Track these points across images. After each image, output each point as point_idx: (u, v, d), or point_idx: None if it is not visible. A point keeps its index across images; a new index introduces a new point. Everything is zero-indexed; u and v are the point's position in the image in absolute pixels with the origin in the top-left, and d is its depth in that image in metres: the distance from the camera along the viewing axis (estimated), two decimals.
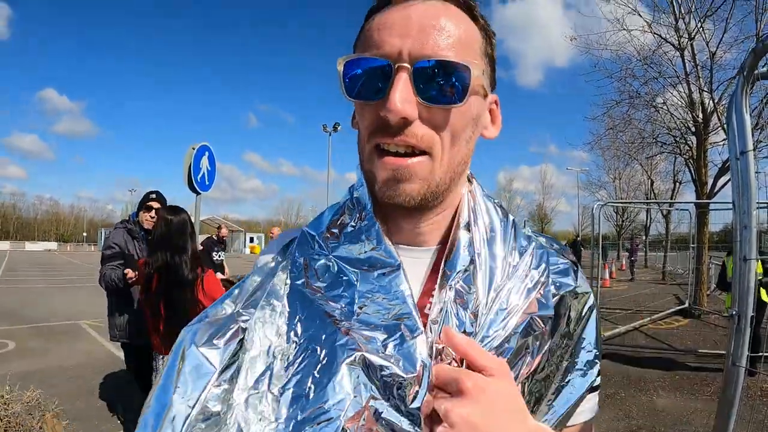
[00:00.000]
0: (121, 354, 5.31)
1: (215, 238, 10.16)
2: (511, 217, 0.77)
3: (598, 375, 0.75)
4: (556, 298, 0.71)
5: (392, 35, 0.65)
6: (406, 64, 0.63)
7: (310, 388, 0.60)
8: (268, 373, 0.63)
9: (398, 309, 0.63)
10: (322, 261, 0.70)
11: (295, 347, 0.65)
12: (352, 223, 0.72)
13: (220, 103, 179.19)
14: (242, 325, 0.68)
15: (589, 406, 0.76)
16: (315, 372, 0.61)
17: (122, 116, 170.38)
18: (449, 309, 0.65)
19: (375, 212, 0.72)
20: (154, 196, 4.53)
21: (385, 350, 0.61)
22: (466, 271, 0.68)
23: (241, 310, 0.70)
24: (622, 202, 26.38)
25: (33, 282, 19.98)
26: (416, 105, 0.64)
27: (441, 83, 0.63)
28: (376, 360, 0.59)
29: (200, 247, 5.21)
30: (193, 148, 5.98)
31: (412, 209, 0.70)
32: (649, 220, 26.12)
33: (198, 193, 6.15)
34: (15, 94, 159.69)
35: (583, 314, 0.73)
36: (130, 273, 3.98)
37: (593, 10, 13.12)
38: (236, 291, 0.74)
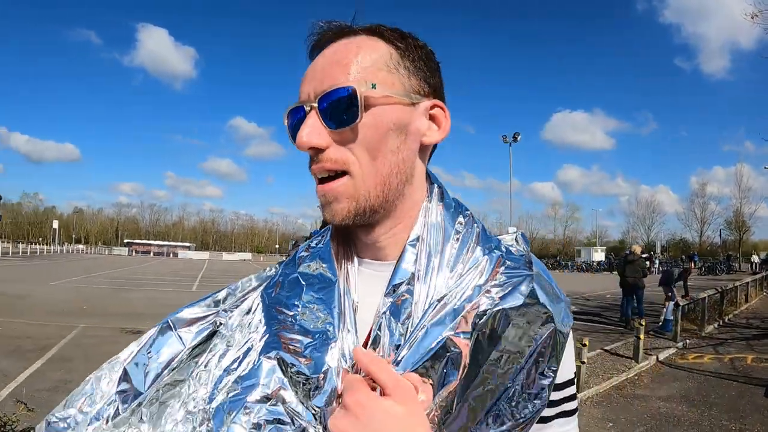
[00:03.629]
0: None
1: None
2: (476, 228, 0.77)
3: (567, 401, 0.77)
4: (486, 316, 0.67)
5: (305, 83, 0.76)
6: (313, 104, 0.73)
7: (239, 372, 0.70)
8: (219, 357, 0.75)
9: (326, 318, 0.70)
10: (294, 275, 0.78)
11: (245, 342, 0.74)
12: (319, 245, 0.80)
13: None
14: (220, 318, 0.80)
15: (561, 430, 0.77)
16: (244, 362, 0.71)
17: None
18: (383, 321, 0.70)
19: (346, 234, 0.83)
20: None
21: (304, 352, 0.68)
22: (407, 284, 0.72)
23: (225, 308, 0.81)
24: None
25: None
26: (328, 134, 0.72)
27: (336, 109, 0.71)
28: (289, 358, 0.67)
29: None
30: None
31: (364, 226, 0.77)
32: None
33: None
34: (209, 124, 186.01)
35: (534, 335, 0.68)
36: None
37: None
38: (234, 287, 0.84)
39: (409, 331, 0.68)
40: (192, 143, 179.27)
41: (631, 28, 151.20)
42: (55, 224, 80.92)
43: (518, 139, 35.34)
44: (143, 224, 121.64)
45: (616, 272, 15.14)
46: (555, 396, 0.75)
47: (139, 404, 0.75)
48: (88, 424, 0.74)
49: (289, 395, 0.66)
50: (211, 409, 0.69)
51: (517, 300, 0.68)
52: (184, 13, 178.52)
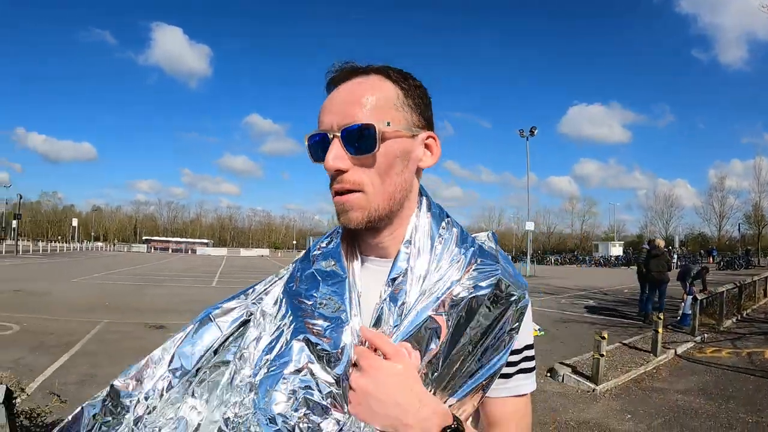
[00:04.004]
0: None
1: None
2: (455, 231, 0.97)
3: (525, 360, 0.98)
4: (463, 302, 0.87)
5: (326, 114, 0.92)
6: (337, 133, 0.89)
7: (275, 352, 0.89)
8: (256, 341, 0.93)
9: (340, 306, 0.89)
10: (309, 271, 0.97)
11: (276, 328, 0.92)
12: (330, 246, 1.00)
13: None
14: (251, 309, 0.99)
15: (515, 384, 0.97)
16: (278, 344, 0.89)
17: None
18: (384, 306, 0.88)
19: (353, 236, 1.00)
20: None
21: (325, 333, 0.86)
22: (402, 277, 0.90)
23: (254, 301, 1.00)
24: None
25: (244, 283, 22.56)
26: (348, 159, 0.89)
27: (357, 140, 0.88)
28: (314, 339, 0.86)
29: None
30: None
31: (371, 230, 0.94)
32: None
33: None
34: (224, 122, 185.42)
35: (499, 314, 0.90)
36: None
37: None
38: (257, 285, 1.03)
39: (403, 313, 0.87)
40: (208, 141, 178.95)
41: (646, 19, 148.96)
42: (74, 222, 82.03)
43: (535, 133, 35.10)
44: (161, 221, 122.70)
45: (634, 266, 14.95)
46: (515, 358, 0.96)
47: (189, 383, 0.94)
48: (145, 393, 0.92)
49: (316, 367, 0.84)
50: (256, 382, 0.87)
51: (486, 288, 0.89)
52: (198, 12, 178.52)
